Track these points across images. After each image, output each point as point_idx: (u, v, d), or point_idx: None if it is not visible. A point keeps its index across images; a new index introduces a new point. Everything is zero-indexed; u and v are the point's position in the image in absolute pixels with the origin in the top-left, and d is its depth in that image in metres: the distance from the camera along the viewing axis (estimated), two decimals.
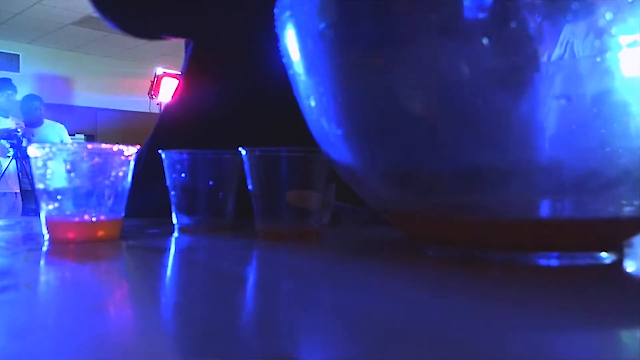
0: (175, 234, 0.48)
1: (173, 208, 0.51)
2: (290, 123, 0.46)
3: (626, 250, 0.36)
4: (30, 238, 0.46)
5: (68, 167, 0.42)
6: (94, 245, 0.41)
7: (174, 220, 0.51)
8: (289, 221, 0.44)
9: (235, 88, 0.68)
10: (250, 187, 0.45)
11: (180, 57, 0.81)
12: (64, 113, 4.63)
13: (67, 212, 0.42)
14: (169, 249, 0.42)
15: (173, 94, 0.77)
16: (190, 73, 0.74)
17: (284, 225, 0.44)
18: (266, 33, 0.44)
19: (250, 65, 0.67)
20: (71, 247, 0.40)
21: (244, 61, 0.68)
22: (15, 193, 3.35)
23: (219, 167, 0.50)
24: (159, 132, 0.74)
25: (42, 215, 0.43)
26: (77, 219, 0.42)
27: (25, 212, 3.32)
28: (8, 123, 3.27)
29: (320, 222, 0.46)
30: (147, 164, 0.65)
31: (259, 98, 0.66)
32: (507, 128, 0.31)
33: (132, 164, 0.44)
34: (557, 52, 0.29)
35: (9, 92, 3.37)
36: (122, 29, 0.71)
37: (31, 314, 0.23)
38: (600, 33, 0.28)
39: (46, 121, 3.53)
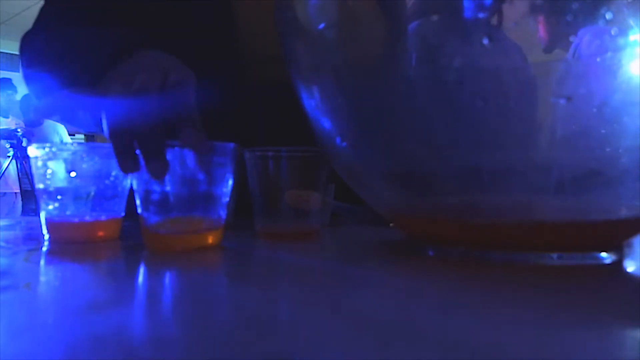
0: None
1: None
2: (289, 122, 0.46)
3: (626, 250, 0.36)
4: (30, 238, 0.46)
5: (68, 167, 0.42)
6: (94, 245, 0.41)
7: None
8: (289, 221, 0.44)
9: (228, 87, 0.68)
10: (250, 187, 0.45)
11: None
12: None
13: (67, 212, 0.42)
14: None
15: None
16: None
17: (284, 226, 0.44)
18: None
19: (247, 64, 0.67)
20: (71, 247, 0.40)
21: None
22: (15, 193, 3.34)
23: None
24: None
25: (42, 215, 0.43)
26: (77, 219, 0.42)
27: (25, 212, 3.32)
28: (8, 123, 3.27)
29: (320, 222, 0.46)
30: None
31: (256, 97, 0.66)
32: (507, 128, 0.31)
33: None
34: (558, 52, 0.29)
35: (9, 91, 3.37)
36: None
37: (31, 314, 0.23)
38: (601, 34, 0.28)
39: (46, 121, 3.52)
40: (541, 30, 0.28)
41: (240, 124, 0.66)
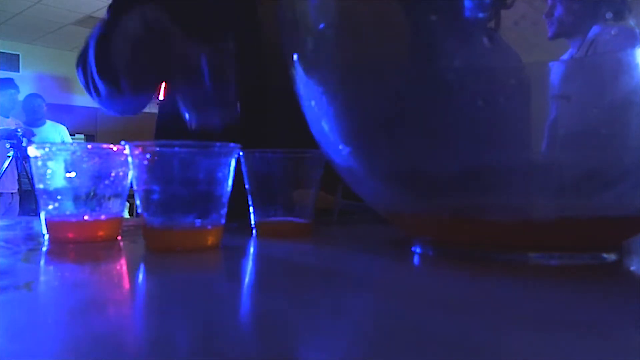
0: None
1: None
2: (289, 122, 0.46)
3: (626, 250, 0.36)
4: (30, 238, 0.46)
5: (68, 167, 0.42)
6: (94, 245, 0.41)
7: None
8: (284, 216, 0.46)
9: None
10: (247, 185, 0.46)
11: None
12: (64, 113, 4.63)
13: (67, 212, 0.42)
14: None
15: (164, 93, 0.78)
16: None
17: (279, 221, 0.46)
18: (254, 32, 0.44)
19: (245, 63, 0.67)
20: (71, 247, 0.40)
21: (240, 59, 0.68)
22: (12, 193, 3.34)
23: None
24: (160, 133, 0.74)
25: (42, 215, 0.43)
26: (76, 219, 0.42)
27: (24, 213, 3.31)
28: (8, 123, 3.27)
29: (311, 217, 0.47)
30: None
31: (255, 97, 0.67)
32: (507, 129, 0.31)
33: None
34: (558, 52, 0.29)
35: (12, 91, 3.37)
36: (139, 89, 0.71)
37: (31, 314, 0.23)
38: (601, 34, 0.28)
39: (48, 122, 3.53)
40: (557, 12, 0.28)
41: (247, 125, 0.66)
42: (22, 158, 3.21)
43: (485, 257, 0.33)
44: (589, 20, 0.28)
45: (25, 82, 4.42)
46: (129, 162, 0.38)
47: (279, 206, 0.46)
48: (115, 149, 0.42)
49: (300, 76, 0.38)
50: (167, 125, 0.74)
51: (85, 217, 0.42)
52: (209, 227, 0.38)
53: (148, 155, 0.37)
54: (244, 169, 0.46)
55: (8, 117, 3.33)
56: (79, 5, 4.17)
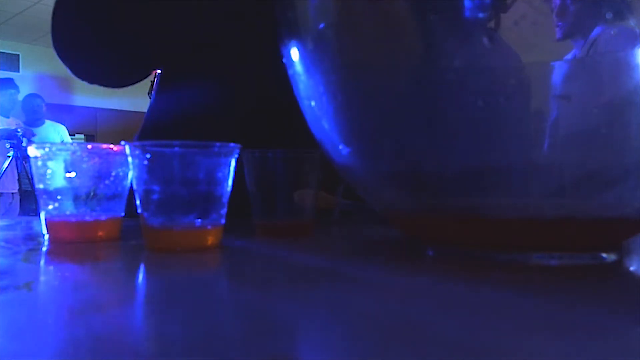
0: None
1: None
2: (287, 123, 0.46)
3: (626, 250, 0.36)
4: (30, 238, 0.46)
5: (68, 167, 0.42)
6: (94, 245, 0.41)
7: None
8: (285, 216, 0.47)
9: (219, 86, 0.68)
10: (248, 185, 0.46)
11: None
12: (64, 113, 4.63)
13: (67, 212, 0.42)
14: None
15: (156, 92, 0.78)
16: (175, 70, 0.74)
17: (280, 220, 0.47)
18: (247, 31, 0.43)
19: (236, 63, 0.67)
20: (71, 247, 0.40)
21: (227, 59, 0.68)
22: (12, 193, 3.34)
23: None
24: (145, 132, 0.74)
25: (42, 215, 0.43)
26: (76, 219, 0.42)
27: (24, 213, 3.31)
28: (8, 123, 3.27)
29: (312, 216, 0.47)
30: None
31: (247, 97, 0.67)
32: (507, 129, 0.31)
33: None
34: (558, 52, 0.29)
35: (12, 91, 3.37)
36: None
37: (31, 314, 0.23)
38: (602, 34, 0.28)
39: (47, 121, 3.53)
40: (561, 14, 0.28)
41: (241, 124, 0.66)
42: (22, 158, 3.21)
43: (486, 257, 0.33)
44: (591, 21, 0.28)
45: (25, 82, 4.42)
46: (129, 162, 0.38)
47: (279, 206, 0.46)
48: (115, 149, 0.42)
49: (300, 76, 0.38)
50: (158, 123, 0.74)
51: (85, 217, 0.42)
52: (209, 227, 0.38)
53: (148, 155, 0.37)
54: (244, 169, 0.46)
55: (8, 117, 3.33)
56: None
